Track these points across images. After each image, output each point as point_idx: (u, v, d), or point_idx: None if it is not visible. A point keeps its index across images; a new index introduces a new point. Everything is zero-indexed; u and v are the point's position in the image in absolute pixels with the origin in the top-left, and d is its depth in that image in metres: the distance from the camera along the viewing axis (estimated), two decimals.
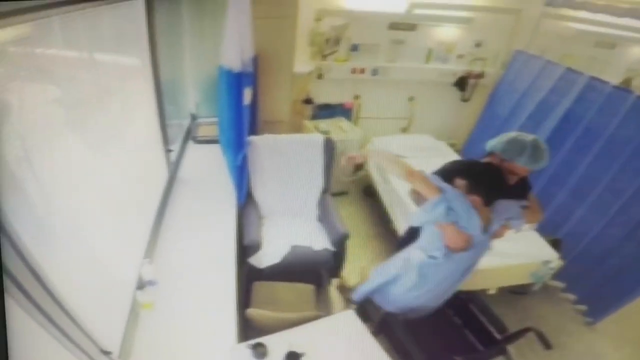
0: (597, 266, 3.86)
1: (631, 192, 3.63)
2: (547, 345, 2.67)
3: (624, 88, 3.98)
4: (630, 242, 3.63)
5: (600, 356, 3.68)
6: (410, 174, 2.67)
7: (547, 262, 3.66)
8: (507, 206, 2.67)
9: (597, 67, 5.29)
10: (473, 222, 2.54)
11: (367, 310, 3.08)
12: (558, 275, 3.89)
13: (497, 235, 2.68)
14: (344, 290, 3.62)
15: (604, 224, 3.81)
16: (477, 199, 2.54)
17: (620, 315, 3.75)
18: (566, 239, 4.00)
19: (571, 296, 4.10)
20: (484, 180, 2.62)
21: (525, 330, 2.76)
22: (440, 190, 2.56)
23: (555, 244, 3.84)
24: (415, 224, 2.75)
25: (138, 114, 2.62)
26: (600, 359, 3.67)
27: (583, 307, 4.00)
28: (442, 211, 2.52)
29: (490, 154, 2.77)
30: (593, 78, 4.15)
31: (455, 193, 2.55)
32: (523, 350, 3.00)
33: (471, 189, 2.56)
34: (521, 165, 2.65)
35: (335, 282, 3.68)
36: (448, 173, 2.77)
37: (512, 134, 2.70)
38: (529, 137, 2.65)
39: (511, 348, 2.79)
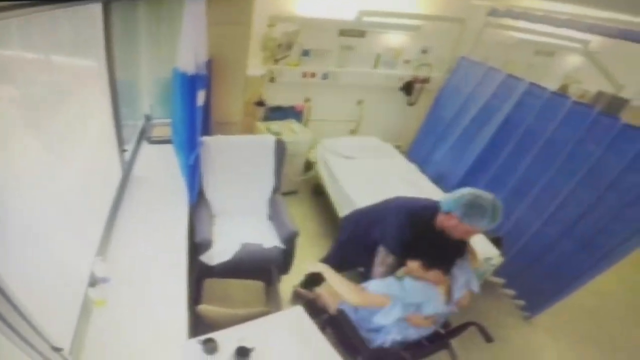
0: (535, 263, 4.05)
1: (566, 192, 3.82)
2: (488, 339, 2.73)
3: (562, 94, 4.14)
4: (566, 240, 3.82)
5: (537, 349, 3.88)
6: (358, 296, 2.66)
7: (488, 259, 3.81)
8: (461, 268, 2.72)
9: (536, 74, 5.57)
10: (435, 304, 2.59)
11: (314, 306, 3.16)
12: (498, 271, 4.05)
13: (462, 304, 2.73)
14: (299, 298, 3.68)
15: (542, 223, 4.00)
16: (436, 273, 2.60)
17: (555, 310, 3.97)
18: (506, 237, 4.19)
19: (510, 292, 4.30)
20: (440, 251, 2.64)
21: (468, 325, 2.81)
22: (389, 296, 2.60)
23: (497, 242, 3.99)
24: (382, 323, 2.71)
25: (94, 115, 2.62)
26: (537, 352, 3.85)
27: (521, 302, 4.21)
28: (399, 311, 2.58)
29: (446, 212, 2.68)
30: (532, 84, 4.30)
31: (409, 286, 2.58)
32: (466, 344, 3.10)
33: (429, 266, 2.60)
34: (480, 228, 2.58)
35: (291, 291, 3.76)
36: (401, 246, 2.80)
37: (469, 194, 2.59)
38: (487, 198, 2.56)
39: (454, 342, 2.88)
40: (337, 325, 2.94)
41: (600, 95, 4.51)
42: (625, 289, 4.83)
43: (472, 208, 2.54)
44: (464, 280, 2.70)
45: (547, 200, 3.98)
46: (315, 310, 3.00)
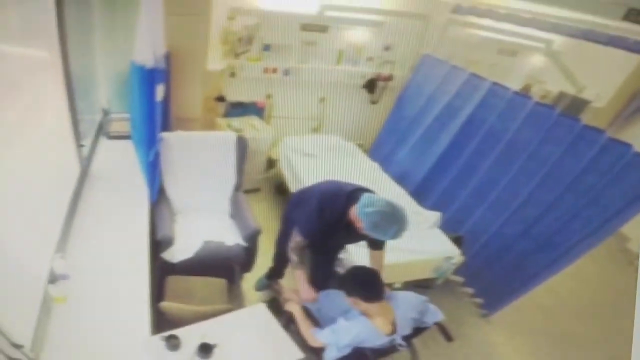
0: (494, 262, 4.16)
1: (526, 193, 3.94)
2: (448, 338, 2.84)
3: (524, 94, 4.26)
4: (524, 240, 3.95)
5: (495, 345, 4.00)
6: (308, 337, 2.76)
7: (449, 258, 3.91)
8: (405, 300, 2.80)
9: (499, 74, 5.56)
10: (372, 339, 2.63)
11: (277, 304, 3.22)
12: (458, 270, 4.15)
13: None
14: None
15: (502, 223, 4.11)
16: (372, 306, 2.65)
17: (512, 308, 4.08)
18: (467, 237, 4.27)
19: (469, 290, 4.39)
20: (367, 282, 2.72)
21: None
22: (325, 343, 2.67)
23: (457, 241, 4.09)
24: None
25: (48, 108, 2.60)
26: (494, 348, 3.97)
27: (480, 301, 4.30)
28: (334, 354, 2.63)
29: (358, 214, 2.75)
30: (495, 84, 4.40)
31: (341, 328, 2.63)
32: (427, 343, 3.20)
33: (365, 299, 2.65)
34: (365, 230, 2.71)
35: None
36: (307, 230, 2.98)
37: (379, 214, 2.65)
38: (395, 219, 2.64)
39: (415, 341, 2.97)
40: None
41: (562, 96, 4.68)
42: (582, 287, 5.01)
43: (377, 227, 2.64)
44: (409, 316, 2.76)
45: (507, 200, 4.09)
46: (278, 309, 3.05)
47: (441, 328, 2.86)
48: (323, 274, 3.41)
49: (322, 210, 2.93)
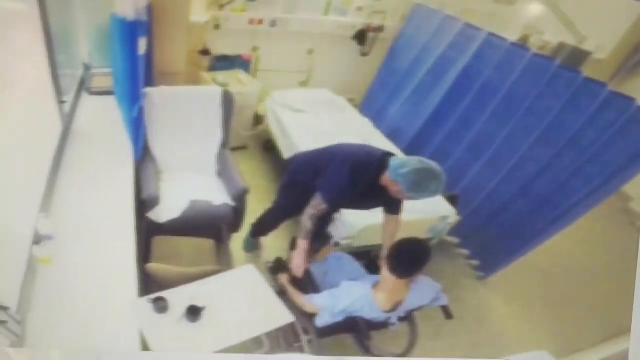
0: (491, 223, 4.16)
1: (525, 149, 3.92)
2: (448, 315, 2.93)
3: (522, 45, 4.23)
4: (522, 199, 3.94)
5: (491, 309, 4.02)
6: (300, 301, 2.81)
7: (444, 218, 3.91)
8: (423, 287, 2.78)
9: (496, 24, 5.52)
10: (368, 310, 2.65)
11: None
12: (453, 231, 4.16)
13: None
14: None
15: (499, 181, 4.10)
16: (391, 279, 2.62)
17: (509, 271, 4.10)
18: (462, 196, 4.24)
19: (465, 252, 4.40)
20: (408, 254, 2.65)
21: None
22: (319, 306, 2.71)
23: (453, 199, 4.06)
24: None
25: (27, 62, 2.55)
26: (490, 312, 3.99)
27: (476, 263, 4.31)
28: (327, 319, 2.67)
29: (392, 179, 2.77)
30: (491, 34, 4.34)
31: (342, 290, 2.67)
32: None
33: (392, 269, 2.62)
34: (421, 199, 2.77)
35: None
36: (338, 197, 2.96)
37: (416, 171, 2.68)
38: (433, 174, 2.70)
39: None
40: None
41: (561, 47, 4.60)
42: (582, 249, 5.04)
43: (417, 186, 2.67)
44: (418, 304, 2.79)
45: (504, 158, 4.07)
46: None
47: (443, 307, 2.91)
48: None
49: (356, 178, 2.89)
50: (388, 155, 2.93)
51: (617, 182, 3.48)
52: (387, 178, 2.80)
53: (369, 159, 2.94)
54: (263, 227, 3.75)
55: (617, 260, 4.62)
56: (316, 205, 2.97)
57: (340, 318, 2.66)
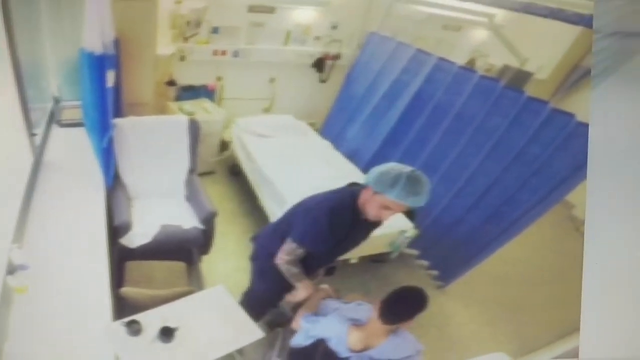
0: (447, 234, 4.25)
1: (475, 165, 4.03)
2: None
3: (469, 68, 4.36)
4: (475, 211, 4.05)
5: (451, 316, 4.10)
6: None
7: (403, 232, 3.98)
8: (406, 341, 2.55)
9: (444, 49, 5.57)
10: (336, 342, 2.47)
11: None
12: (412, 243, 4.23)
13: None
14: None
15: (453, 195, 4.19)
16: (375, 323, 2.43)
17: (467, 279, 4.20)
18: (420, 210, 4.16)
19: (424, 262, 4.46)
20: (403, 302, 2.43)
21: None
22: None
23: (410, 214, 4.07)
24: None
25: None
26: (451, 318, 4.07)
27: (435, 272, 4.38)
28: (301, 341, 2.54)
29: (364, 186, 2.56)
30: (441, 59, 4.44)
31: (322, 320, 2.52)
32: None
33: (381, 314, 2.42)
34: (393, 199, 2.42)
35: None
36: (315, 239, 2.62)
37: (383, 165, 2.50)
38: (402, 168, 2.44)
39: None
40: None
41: (505, 69, 4.76)
42: (532, 255, 5.13)
43: (382, 175, 2.44)
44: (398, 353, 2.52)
45: (457, 173, 4.16)
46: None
47: None
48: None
49: (331, 217, 2.58)
50: (354, 184, 2.77)
51: (561, 192, 3.61)
52: (367, 195, 2.54)
53: (336, 194, 2.70)
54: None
55: (565, 264, 4.77)
56: (289, 250, 2.67)
57: (310, 341, 2.55)
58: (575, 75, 4.66)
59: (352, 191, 2.66)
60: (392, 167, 2.47)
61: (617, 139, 2.89)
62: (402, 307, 2.42)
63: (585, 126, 3.26)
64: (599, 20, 2.77)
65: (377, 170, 2.49)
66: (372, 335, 2.47)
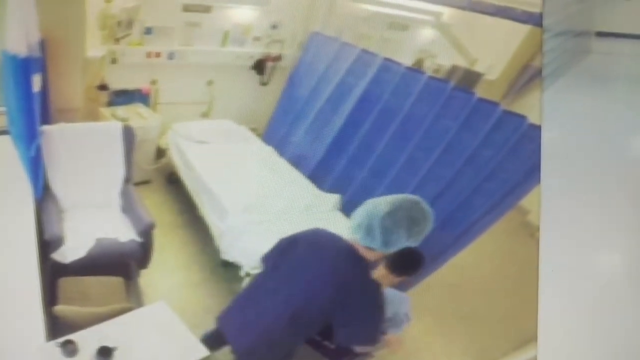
0: None
1: (425, 169, 4.02)
2: None
3: (417, 69, 4.41)
4: None
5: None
6: None
7: None
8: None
9: (391, 49, 5.54)
10: None
11: None
12: None
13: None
14: None
15: None
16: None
17: (420, 288, 4.13)
18: None
19: None
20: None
21: None
22: None
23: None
24: None
25: None
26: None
27: None
28: None
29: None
30: (387, 59, 4.46)
31: None
32: None
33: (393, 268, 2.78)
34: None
35: None
36: None
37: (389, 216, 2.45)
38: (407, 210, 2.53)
39: None
40: None
41: (454, 69, 4.84)
42: (486, 262, 5.19)
43: (393, 227, 2.54)
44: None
45: (407, 179, 4.13)
46: None
47: None
48: None
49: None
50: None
51: (515, 197, 3.67)
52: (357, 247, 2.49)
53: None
54: None
55: (521, 271, 4.90)
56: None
57: None
58: (526, 75, 4.80)
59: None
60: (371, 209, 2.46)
61: (570, 141, 3.02)
62: (409, 262, 2.83)
63: (537, 128, 3.41)
64: (548, 19, 2.87)
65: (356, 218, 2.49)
66: None
